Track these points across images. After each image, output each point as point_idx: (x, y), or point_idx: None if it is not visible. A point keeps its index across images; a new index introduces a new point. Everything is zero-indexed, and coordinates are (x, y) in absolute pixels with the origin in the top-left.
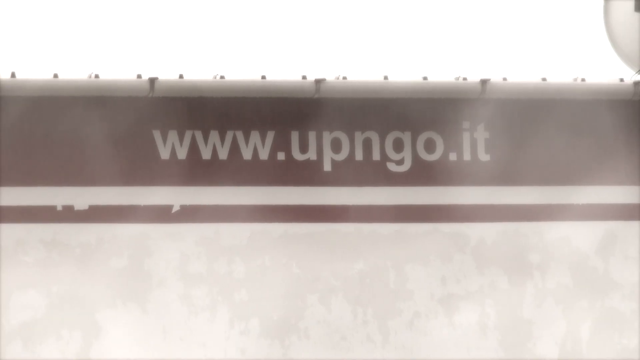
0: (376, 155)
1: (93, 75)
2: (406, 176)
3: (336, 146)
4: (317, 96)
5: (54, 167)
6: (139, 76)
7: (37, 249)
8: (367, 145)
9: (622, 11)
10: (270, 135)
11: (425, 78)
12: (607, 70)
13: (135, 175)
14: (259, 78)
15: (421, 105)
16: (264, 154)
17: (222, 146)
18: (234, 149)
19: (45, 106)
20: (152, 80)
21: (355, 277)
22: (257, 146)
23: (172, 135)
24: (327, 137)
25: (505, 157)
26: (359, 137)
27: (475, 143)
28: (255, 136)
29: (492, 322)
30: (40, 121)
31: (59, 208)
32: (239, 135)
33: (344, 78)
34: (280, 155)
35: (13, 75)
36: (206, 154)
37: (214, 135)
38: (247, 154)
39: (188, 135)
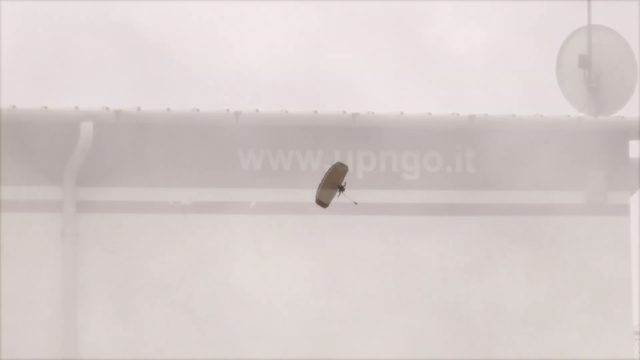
0: (395, 168)
1: (195, 109)
2: (416, 183)
3: (367, 161)
4: (353, 125)
5: (167, 174)
6: (228, 110)
7: (153, 232)
8: (388, 160)
9: (569, 65)
10: (320, 153)
11: (429, 113)
12: (559, 108)
13: (224, 180)
14: (312, 112)
15: (426, 132)
16: (315, 166)
17: (286, 160)
18: (294, 162)
19: (161, 131)
20: (237, 113)
21: (377, 253)
22: (310, 161)
23: (251, 152)
24: (360, 155)
25: (486, 170)
26: (382, 154)
27: (465, 160)
28: (309, 153)
29: (475, 286)
30: (158, 142)
31: (170, 203)
32: (298, 153)
33: (373, 113)
34: (327, 167)
35: (139, 108)
36: (274, 166)
37: (280, 153)
38: (303, 166)
39: (262, 152)
